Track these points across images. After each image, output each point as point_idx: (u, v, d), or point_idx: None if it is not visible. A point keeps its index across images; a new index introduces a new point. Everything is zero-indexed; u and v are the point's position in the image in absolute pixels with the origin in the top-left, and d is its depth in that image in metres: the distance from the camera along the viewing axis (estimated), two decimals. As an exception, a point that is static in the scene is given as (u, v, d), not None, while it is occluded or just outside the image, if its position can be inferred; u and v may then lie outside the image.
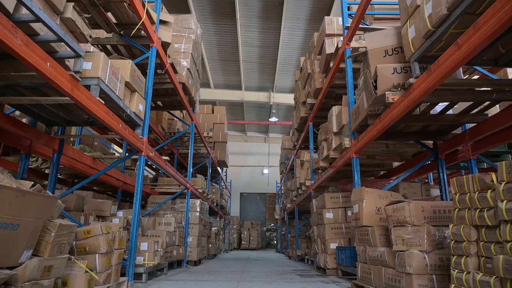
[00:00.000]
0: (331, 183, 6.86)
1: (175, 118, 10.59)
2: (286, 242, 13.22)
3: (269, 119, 17.68)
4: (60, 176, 7.13)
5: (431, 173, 6.73)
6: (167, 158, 5.39)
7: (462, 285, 2.07)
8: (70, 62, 2.86)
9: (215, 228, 10.99)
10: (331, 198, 5.80)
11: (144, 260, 4.54)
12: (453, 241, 2.22)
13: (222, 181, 14.89)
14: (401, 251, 2.79)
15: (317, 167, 6.92)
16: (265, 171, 21.70)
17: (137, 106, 4.08)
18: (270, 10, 11.16)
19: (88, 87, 3.11)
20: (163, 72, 5.55)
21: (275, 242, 19.46)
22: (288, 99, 16.51)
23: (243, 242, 18.57)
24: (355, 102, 4.47)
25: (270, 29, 12.12)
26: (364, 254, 3.55)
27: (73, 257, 2.93)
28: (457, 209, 2.20)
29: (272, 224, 20.62)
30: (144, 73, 4.72)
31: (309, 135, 8.14)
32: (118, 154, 9.65)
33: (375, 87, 3.18)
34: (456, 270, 2.15)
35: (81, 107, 3.00)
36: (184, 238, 6.99)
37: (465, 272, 2.07)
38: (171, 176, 6.11)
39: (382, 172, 6.49)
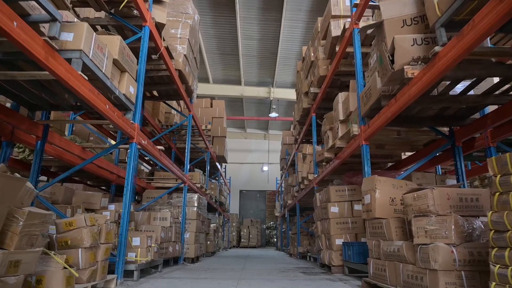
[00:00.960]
0: (335, 177, 6.51)
1: (172, 111, 10.24)
2: (286, 240, 12.90)
3: (269, 115, 17.32)
4: (51, 170, 6.78)
5: (439, 166, 6.41)
6: (161, 147, 5.04)
7: (506, 283, 1.73)
8: (46, 29, 2.51)
9: (214, 224, 10.65)
10: (336, 191, 5.46)
11: (136, 257, 4.20)
12: (493, 231, 1.88)
13: (221, 177, 14.54)
14: (424, 244, 2.45)
15: (321, 160, 6.58)
16: (265, 168, 21.35)
17: (128, 88, 3.73)
18: (270, 1, 10.79)
19: (69, 60, 2.76)
20: (157, 57, 5.20)
21: (275, 240, 19.14)
22: (289, 94, 16.16)
23: (242, 240, 18.25)
24: (364, 86, 4.13)
25: (270, 21, 11.76)
26: (377, 249, 3.21)
27: (52, 252, 2.58)
28: (497, 193, 1.86)
29: (272, 222, 20.29)
30: (138, 58, 4.37)
31: (311, 128, 7.78)
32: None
33: (392, 62, 2.84)
34: (498, 265, 1.81)
35: (60, 82, 2.66)
36: (181, 234, 6.65)
37: (510, 268, 1.73)
38: (167, 168, 5.77)
39: (389, 165, 6.14)
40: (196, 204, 7.15)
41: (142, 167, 10.03)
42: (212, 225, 10.37)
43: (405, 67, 2.73)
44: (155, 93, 7.16)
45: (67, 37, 2.78)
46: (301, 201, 9.61)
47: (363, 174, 3.95)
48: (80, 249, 2.82)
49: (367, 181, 3.50)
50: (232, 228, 18.40)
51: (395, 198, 3.31)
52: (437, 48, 2.39)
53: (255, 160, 21.63)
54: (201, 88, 15.92)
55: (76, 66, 2.76)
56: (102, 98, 3.17)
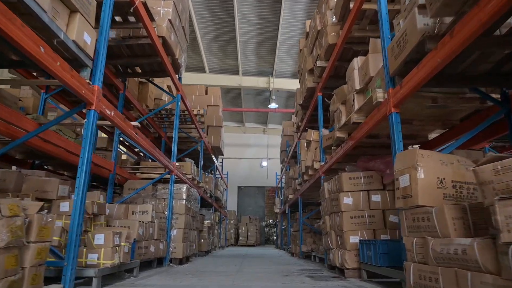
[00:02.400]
0: (345, 165, 5.57)
1: (163, 98, 9.33)
2: (287, 238, 11.99)
3: (268, 106, 16.39)
4: (16, 157, 5.84)
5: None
6: (136, 124, 4.10)
7: None
8: None
9: (208, 221, 9.73)
10: (350, 179, 4.54)
11: (98, 259, 3.28)
12: None
13: (218, 171, 13.60)
14: (520, 242, 1.53)
15: (329, 144, 5.66)
16: (264, 163, 20.43)
17: (81, 34, 2.79)
18: (270, -21, 9.86)
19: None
20: (133, 12, 4.26)
21: (275, 238, 18.25)
22: (289, 84, 15.24)
23: (240, 238, 17.38)
24: (391, 39, 3.20)
25: (270, 2, 10.82)
26: (421, 249, 2.29)
27: None
28: None
29: (271, 220, 19.38)
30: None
31: (317, 112, 6.85)
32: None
33: (453, -29, 1.91)
34: None
35: None
36: (167, 231, 5.72)
37: None
38: (146, 151, 4.84)
39: (410, 147, 5.20)
40: (184, 197, 6.22)
41: (128, 157, 9.07)
42: (206, 222, 9.46)
43: (476, -26, 1.81)
44: (137, 69, 6.23)
45: None
46: (304, 195, 8.69)
47: (393, 151, 3.03)
48: (-12, 251, 1.90)
49: (403, 157, 2.57)
50: (230, 226, 17.53)
51: (444, 178, 2.38)
52: None
53: (254, 155, 20.74)
54: (196, 78, 14.99)
55: (-22, -26, 1.83)
56: (31, 34, 2.22)
